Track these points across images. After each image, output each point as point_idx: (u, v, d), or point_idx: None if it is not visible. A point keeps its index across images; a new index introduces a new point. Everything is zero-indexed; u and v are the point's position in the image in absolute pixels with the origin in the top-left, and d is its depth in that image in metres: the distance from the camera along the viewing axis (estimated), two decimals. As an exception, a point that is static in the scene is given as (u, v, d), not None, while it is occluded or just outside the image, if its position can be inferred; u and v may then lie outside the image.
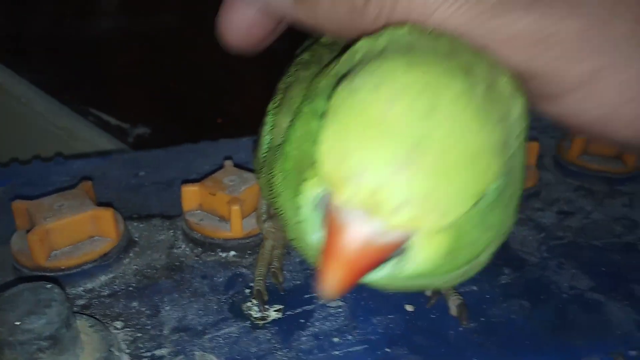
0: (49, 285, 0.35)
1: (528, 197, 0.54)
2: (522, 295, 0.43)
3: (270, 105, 0.39)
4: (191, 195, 0.49)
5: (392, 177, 0.24)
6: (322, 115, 0.27)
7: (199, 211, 0.49)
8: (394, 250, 0.26)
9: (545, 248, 0.49)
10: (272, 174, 0.35)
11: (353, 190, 0.24)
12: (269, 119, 0.38)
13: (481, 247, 0.30)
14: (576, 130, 0.34)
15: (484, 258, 0.33)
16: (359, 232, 0.24)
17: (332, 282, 0.25)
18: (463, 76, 0.26)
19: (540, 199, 0.55)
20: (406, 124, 0.24)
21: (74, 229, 0.44)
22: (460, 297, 0.42)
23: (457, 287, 0.43)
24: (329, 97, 0.27)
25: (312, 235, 0.28)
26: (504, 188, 0.28)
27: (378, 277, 0.27)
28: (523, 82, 0.31)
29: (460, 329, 0.40)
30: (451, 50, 0.28)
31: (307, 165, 0.28)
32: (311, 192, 0.27)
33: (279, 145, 0.35)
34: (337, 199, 0.24)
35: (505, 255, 0.47)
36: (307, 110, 0.31)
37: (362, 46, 0.30)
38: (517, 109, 0.28)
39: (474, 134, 0.25)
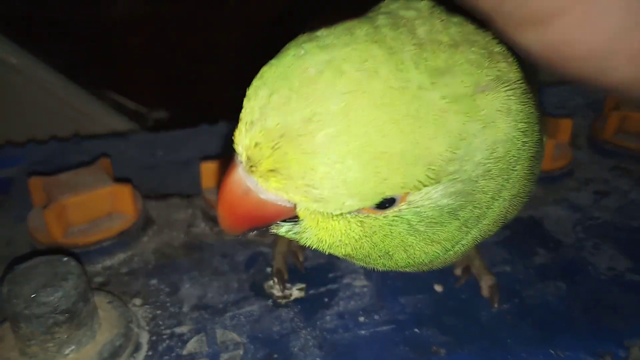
0: (65, 259, 0.34)
1: (562, 177, 0.52)
2: (558, 277, 0.41)
3: None
4: (211, 172, 0.47)
5: (275, 141, 0.23)
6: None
7: (217, 188, 0.48)
8: (280, 214, 0.27)
9: (580, 228, 0.46)
10: None
11: (240, 139, 0.24)
12: None
13: (421, 257, 0.30)
14: (565, 70, 0.27)
15: (435, 264, 0.33)
16: (238, 181, 0.26)
17: (221, 219, 0.28)
18: (400, 71, 0.24)
19: (574, 178, 0.52)
20: (318, 94, 0.23)
21: (92, 205, 0.43)
22: (493, 277, 0.40)
23: (489, 267, 0.40)
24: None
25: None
26: (454, 208, 0.27)
27: (279, 231, 0.28)
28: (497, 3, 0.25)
29: (493, 310, 0.38)
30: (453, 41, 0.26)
31: None
32: None
33: None
34: (235, 144, 0.25)
35: (539, 236, 0.45)
36: None
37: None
38: (491, 134, 0.26)
39: (388, 135, 0.23)
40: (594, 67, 0.26)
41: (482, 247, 0.42)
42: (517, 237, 0.45)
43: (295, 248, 0.43)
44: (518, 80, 0.27)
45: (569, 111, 0.62)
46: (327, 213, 0.26)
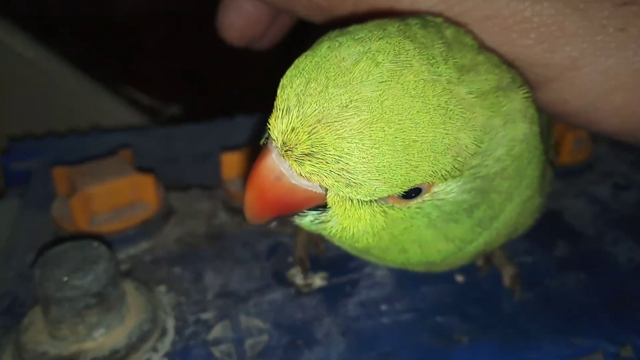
0: (95, 243, 0.34)
1: (581, 170, 0.52)
2: (578, 268, 0.41)
3: None
4: (231, 163, 0.48)
5: (312, 126, 0.24)
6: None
7: (238, 180, 0.48)
8: (310, 200, 0.27)
9: (600, 221, 0.46)
10: None
11: (276, 124, 0.25)
12: None
13: (434, 255, 0.31)
14: (562, 119, 0.33)
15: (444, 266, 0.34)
16: (271, 166, 0.26)
17: (248, 205, 0.28)
18: (431, 67, 0.25)
19: (594, 172, 0.52)
20: (355, 83, 0.24)
21: (116, 194, 0.44)
22: (515, 268, 0.40)
23: (510, 258, 0.41)
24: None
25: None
26: (471, 205, 0.28)
27: (302, 222, 0.29)
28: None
29: (514, 300, 0.39)
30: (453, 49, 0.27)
31: None
32: None
33: None
34: (270, 130, 0.26)
35: (559, 228, 0.45)
36: None
37: None
38: (511, 131, 0.27)
39: (420, 124, 0.24)
40: (585, 119, 0.31)
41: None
42: (538, 229, 0.44)
43: (316, 238, 0.43)
44: (528, 86, 0.29)
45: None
46: (356, 200, 0.27)
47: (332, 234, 0.29)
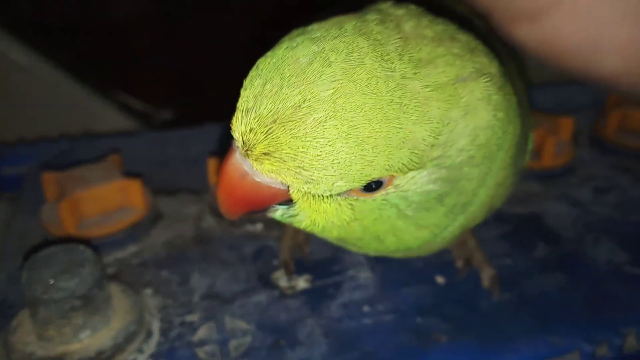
0: (82, 247, 0.35)
1: (563, 174, 0.53)
2: (557, 269, 0.42)
3: None
4: (217, 167, 0.48)
5: (268, 126, 0.25)
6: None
7: (226, 184, 0.49)
8: (275, 196, 0.28)
9: (581, 223, 0.47)
10: None
11: (236, 126, 0.26)
12: None
13: (411, 241, 0.32)
14: (558, 63, 0.29)
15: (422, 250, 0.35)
16: (235, 165, 0.27)
17: (220, 202, 0.29)
18: (384, 61, 0.26)
19: (576, 175, 0.53)
20: (308, 83, 0.25)
21: (103, 199, 0.45)
22: (493, 269, 0.41)
23: (489, 260, 0.42)
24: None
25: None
26: (440, 194, 0.29)
27: (274, 216, 0.30)
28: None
29: (493, 300, 0.39)
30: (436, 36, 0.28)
31: None
32: None
33: None
34: (232, 130, 0.27)
35: (539, 230, 0.46)
36: None
37: None
38: (472, 120, 0.27)
39: (373, 120, 0.25)
40: (583, 60, 0.28)
41: (483, 241, 0.43)
42: (518, 231, 0.46)
43: (301, 242, 0.44)
44: (499, 74, 0.29)
45: (570, 110, 0.63)
46: (318, 195, 0.28)
47: (303, 226, 0.30)
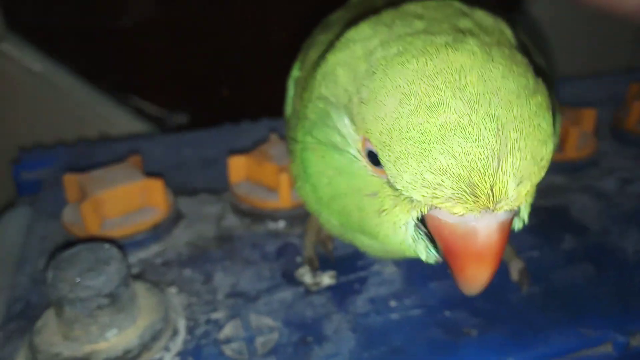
0: (107, 245, 0.35)
1: (586, 166, 0.52)
2: (585, 261, 0.42)
3: (294, 64, 0.40)
4: (239, 166, 0.48)
5: (497, 174, 0.24)
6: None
7: (246, 183, 0.49)
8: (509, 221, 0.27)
9: (606, 215, 0.46)
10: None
11: (468, 202, 0.24)
12: (292, 74, 0.40)
13: None
14: (591, 4, 0.33)
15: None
16: (490, 230, 0.25)
17: (481, 279, 0.27)
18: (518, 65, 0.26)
19: (599, 167, 0.53)
20: (482, 115, 0.24)
21: (125, 199, 0.44)
22: (522, 262, 0.40)
23: (517, 253, 0.41)
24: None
25: (425, 254, 0.30)
26: None
27: None
28: None
29: (522, 293, 0.39)
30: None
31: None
32: (404, 218, 0.28)
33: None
34: (454, 213, 0.25)
35: (565, 223, 0.46)
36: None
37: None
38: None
39: (537, 116, 0.25)
40: (610, 2, 0.30)
41: (510, 235, 0.42)
42: (544, 224, 0.45)
43: (324, 238, 0.43)
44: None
45: (592, 103, 0.62)
46: None
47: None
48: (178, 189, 0.52)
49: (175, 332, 0.35)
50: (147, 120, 0.88)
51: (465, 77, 0.24)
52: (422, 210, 0.27)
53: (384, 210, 0.29)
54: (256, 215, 0.47)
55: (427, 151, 0.24)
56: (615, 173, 0.52)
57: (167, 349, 0.34)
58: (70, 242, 0.42)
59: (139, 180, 0.45)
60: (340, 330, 0.36)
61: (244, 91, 0.90)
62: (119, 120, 0.85)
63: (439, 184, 0.24)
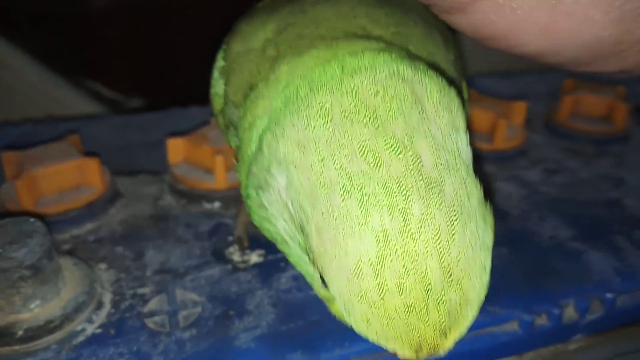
0: (31, 219, 0.35)
1: (514, 156, 0.55)
2: (502, 244, 0.44)
3: (219, 53, 0.40)
4: (177, 147, 0.49)
5: (442, 344, 0.24)
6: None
7: (184, 164, 0.50)
8: None
9: (528, 202, 0.49)
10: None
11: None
12: (216, 64, 0.40)
13: None
14: (493, 45, 0.32)
15: None
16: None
17: None
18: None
19: (527, 158, 0.55)
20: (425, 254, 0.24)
21: (61, 177, 0.45)
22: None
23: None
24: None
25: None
26: None
27: None
28: None
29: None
30: None
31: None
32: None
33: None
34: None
35: (487, 208, 0.48)
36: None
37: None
38: None
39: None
40: (511, 42, 0.30)
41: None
42: (468, 209, 0.47)
43: (256, 218, 0.45)
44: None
45: (528, 98, 0.65)
46: None
47: None
48: (119, 170, 0.52)
49: (99, 305, 0.36)
50: (102, 104, 0.88)
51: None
52: None
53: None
54: (192, 196, 0.48)
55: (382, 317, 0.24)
56: (542, 164, 0.55)
57: (90, 320, 0.35)
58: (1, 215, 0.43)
59: (75, 159, 0.45)
60: (261, 305, 0.37)
61: (200, 77, 0.91)
62: (73, 103, 0.85)
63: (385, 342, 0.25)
